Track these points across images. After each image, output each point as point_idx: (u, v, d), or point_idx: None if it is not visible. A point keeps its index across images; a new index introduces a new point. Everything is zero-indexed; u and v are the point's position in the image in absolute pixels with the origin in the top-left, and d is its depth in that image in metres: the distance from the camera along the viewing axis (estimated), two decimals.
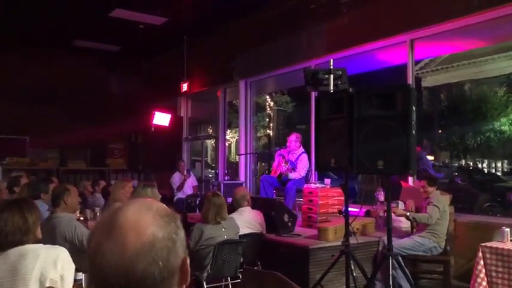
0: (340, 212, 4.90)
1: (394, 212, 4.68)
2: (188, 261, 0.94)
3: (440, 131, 16.44)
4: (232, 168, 11.89)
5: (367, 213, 5.62)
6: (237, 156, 10.44)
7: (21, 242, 2.21)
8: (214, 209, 4.23)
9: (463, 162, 15.86)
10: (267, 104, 19.72)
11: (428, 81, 16.60)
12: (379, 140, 3.52)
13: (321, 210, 5.55)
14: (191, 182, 8.95)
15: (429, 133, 14.83)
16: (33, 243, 2.27)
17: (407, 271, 4.11)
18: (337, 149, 3.84)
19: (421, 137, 9.01)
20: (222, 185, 7.26)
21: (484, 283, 3.83)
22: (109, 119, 10.01)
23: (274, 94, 18.82)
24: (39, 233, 2.34)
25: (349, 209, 4.10)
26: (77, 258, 2.37)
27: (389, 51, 6.45)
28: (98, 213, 5.14)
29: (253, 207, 5.01)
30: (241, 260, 4.38)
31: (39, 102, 9.64)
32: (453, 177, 12.46)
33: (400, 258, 4.00)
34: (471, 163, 15.65)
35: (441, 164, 15.01)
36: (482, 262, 3.86)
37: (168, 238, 0.89)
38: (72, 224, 3.60)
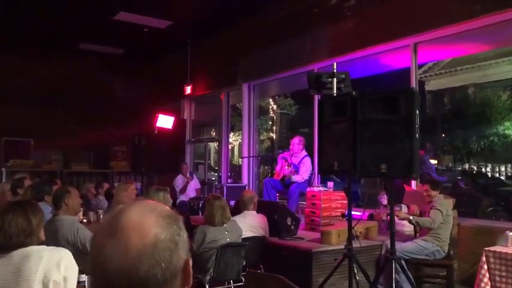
0: (343, 215, 4.89)
1: (397, 216, 4.67)
2: (191, 262, 0.94)
3: (443, 135, 16.39)
4: (235, 171, 11.89)
5: (370, 217, 5.61)
6: (240, 159, 10.44)
7: (25, 244, 2.21)
8: (220, 211, 4.23)
9: (467, 166, 15.81)
10: (270, 107, 19.73)
11: (431, 85, 16.57)
12: (383, 143, 3.52)
13: (324, 214, 5.54)
14: (194, 184, 8.95)
15: (432, 137, 14.79)
16: (37, 245, 2.27)
17: (410, 275, 4.09)
18: (340, 153, 3.84)
19: (424, 140, 8.98)
20: (225, 187, 7.25)
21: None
22: (113, 122, 10.04)
23: (277, 97, 18.83)
24: (42, 235, 2.34)
25: (352, 212, 4.09)
26: (80, 260, 2.38)
27: (392, 55, 6.45)
28: (101, 216, 5.15)
29: (256, 211, 5.01)
30: (244, 263, 4.37)
31: (43, 104, 9.68)
32: (456, 181, 12.41)
33: (403, 262, 3.99)
34: (475, 167, 15.58)
35: (444, 168, 14.96)
36: (486, 266, 3.84)
37: (170, 240, 0.89)
38: (74, 227, 3.60)
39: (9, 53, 9.51)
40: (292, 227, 5.25)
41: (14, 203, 2.52)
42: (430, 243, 4.67)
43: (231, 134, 14.66)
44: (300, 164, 6.66)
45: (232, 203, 5.58)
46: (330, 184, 5.80)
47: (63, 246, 2.82)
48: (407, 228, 5.20)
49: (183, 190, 8.70)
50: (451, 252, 4.76)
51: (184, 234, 0.94)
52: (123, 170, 11.09)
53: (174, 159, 10.24)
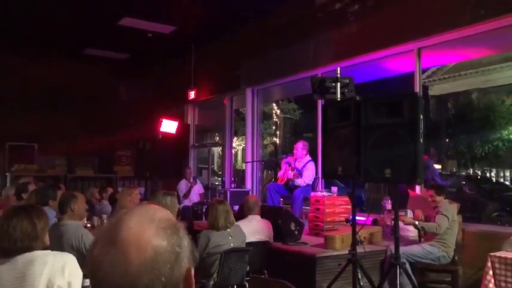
0: (347, 220, 4.88)
1: (402, 221, 4.66)
2: (193, 271, 0.92)
3: (447, 140, 16.36)
4: (239, 176, 11.89)
5: (374, 222, 5.60)
6: (244, 164, 10.44)
7: (30, 248, 2.22)
8: (223, 215, 4.22)
9: (471, 171, 15.75)
10: (274, 111, 19.74)
11: (435, 90, 16.56)
12: (387, 148, 3.52)
13: (328, 219, 5.53)
14: (198, 189, 8.96)
15: (436, 142, 14.77)
16: (41, 249, 2.27)
17: (414, 280, 4.08)
18: (344, 157, 3.84)
19: (428, 145, 8.97)
20: (228, 192, 7.26)
21: None
22: (117, 126, 10.07)
23: (280, 101, 18.84)
24: (47, 240, 2.35)
25: (356, 217, 4.08)
26: (84, 266, 2.37)
27: (396, 60, 6.45)
28: (105, 220, 5.14)
29: (260, 216, 5.00)
30: (248, 268, 4.36)
31: (48, 109, 9.72)
32: (461, 186, 12.36)
33: (407, 267, 3.97)
34: (479, 172, 15.53)
35: (448, 173, 14.91)
36: (491, 272, 3.81)
37: (171, 251, 0.87)
38: (79, 232, 3.60)
39: (15, 58, 9.56)
40: (296, 232, 5.23)
41: (18, 207, 2.53)
42: (436, 248, 4.65)
43: (235, 139, 14.67)
44: (304, 168, 6.65)
45: (236, 207, 5.58)
46: (334, 189, 5.79)
47: (68, 251, 2.83)
48: (412, 233, 5.18)
49: (187, 195, 8.70)
50: (456, 257, 4.74)
51: (186, 243, 0.92)
52: (127, 175, 11.10)
53: (177, 164, 10.25)
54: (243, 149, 14.69)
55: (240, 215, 4.91)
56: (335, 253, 4.62)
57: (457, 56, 7.67)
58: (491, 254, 3.88)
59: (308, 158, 6.81)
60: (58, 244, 3.37)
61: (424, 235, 5.00)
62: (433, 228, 4.64)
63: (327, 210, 5.52)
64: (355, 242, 3.93)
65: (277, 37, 7.80)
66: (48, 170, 10.22)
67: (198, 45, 9.52)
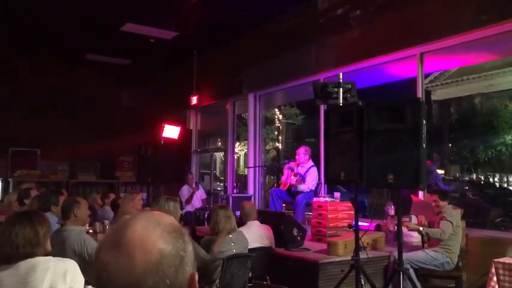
0: (350, 226, 4.85)
1: (406, 227, 4.64)
2: (196, 277, 0.92)
3: (450, 145, 16.33)
4: (241, 181, 11.89)
5: (377, 228, 5.57)
6: (246, 169, 10.43)
7: (32, 255, 2.21)
8: (224, 220, 4.20)
9: (474, 176, 15.71)
10: (276, 117, 19.75)
11: (438, 95, 16.56)
12: (389, 153, 3.51)
13: (331, 224, 5.50)
14: (200, 194, 8.94)
15: (439, 147, 14.74)
16: (43, 255, 2.27)
17: (418, 286, 4.05)
18: (347, 163, 3.83)
19: (430, 150, 8.94)
20: (230, 198, 7.25)
21: None
22: (119, 132, 10.08)
23: (283, 107, 18.86)
24: (49, 246, 2.34)
25: (359, 223, 4.06)
26: (86, 271, 2.37)
27: (398, 65, 6.44)
28: (107, 226, 5.14)
29: (262, 221, 4.98)
30: (250, 274, 4.34)
31: (50, 115, 9.75)
32: (464, 191, 12.32)
33: (411, 272, 3.94)
34: (482, 177, 15.48)
35: (451, 178, 14.87)
36: (495, 278, 3.79)
37: (175, 255, 0.87)
38: (81, 237, 3.59)
39: (17, 63, 9.61)
40: (299, 238, 5.21)
41: (21, 213, 2.53)
42: (440, 254, 4.62)
43: (237, 144, 14.67)
44: (307, 174, 6.63)
45: (238, 213, 5.56)
46: (337, 194, 5.77)
47: (70, 257, 2.82)
48: (415, 239, 5.15)
49: (189, 200, 8.69)
50: (460, 263, 4.71)
51: (190, 248, 0.92)
52: (129, 180, 11.10)
53: (180, 169, 10.24)
54: (245, 154, 14.70)
55: (240, 222, 4.89)
56: (338, 259, 4.59)
57: (460, 60, 7.66)
58: (495, 260, 3.86)
59: (310, 163, 6.79)
60: (61, 249, 3.36)
61: (428, 241, 4.97)
62: (437, 234, 4.61)
63: (329, 216, 5.50)
64: (358, 248, 3.91)
65: (279, 42, 7.81)
66: (51, 175, 10.24)
67: (200, 50, 9.54)
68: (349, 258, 4.08)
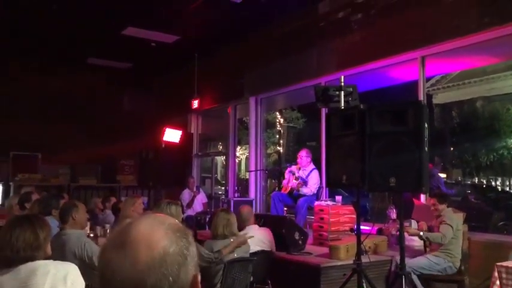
0: (351, 229, 4.84)
1: (407, 232, 4.61)
2: (199, 278, 0.93)
3: (452, 148, 16.31)
4: (242, 185, 11.86)
5: (379, 232, 5.55)
6: (247, 173, 10.42)
7: (32, 258, 2.20)
8: (222, 223, 4.19)
9: (476, 179, 15.68)
10: (277, 120, 19.75)
11: (439, 98, 16.55)
12: (391, 156, 3.50)
13: (332, 228, 5.48)
14: (201, 198, 8.92)
15: (441, 150, 14.71)
16: (43, 259, 2.26)
17: None
18: (349, 166, 3.81)
19: (432, 154, 8.93)
20: (232, 201, 7.22)
21: None
22: (120, 136, 10.08)
23: (284, 110, 18.86)
24: (49, 250, 2.33)
25: (361, 227, 4.04)
26: (86, 275, 2.36)
27: (400, 68, 6.44)
28: (108, 230, 5.13)
29: (263, 225, 4.96)
30: (251, 278, 4.32)
31: (51, 119, 9.76)
32: (466, 195, 12.29)
33: (413, 277, 3.92)
34: (484, 181, 15.44)
35: (453, 182, 14.85)
36: (498, 282, 3.76)
37: (179, 253, 0.88)
38: (81, 241, 3.59)
39: (18, 68, 9.63)
40: (300, 242, 5.19)
41: (21, 217, 2.52)
42: (442, 259, 4.59)
43: (238, 148, 14.66)
44: (308, 177, 6.62)
45: None
46: (338, 198, 5.75)
47: (70, 260, 2.81)
48: (417, 243, 5.13)
49: (190, 204, 8.67)
50: (462, 267, 4.68)
51: (194, 249, 0.93)
52: (130, 184, 11.11)
53: (181, 173, 10.25)
54: (247, 158, 14.69)
55: (239, 227, 4.86)
56: (340, 263, 4.57)
57: (461, 64, 7.65)
58: (498, 263, 3.83)
59: (312, 166, 6.78)
60: (61, 253, 3.35)
61: (430, 245, 4.94)
62: (438, 239, 4.58)
63: (331, 220, 5.48)
64: (360, 252, 3.89)
65: (281, 46, 7.82)
66: (52, 179, 10.24)
67: (201, 54, 9.55)
68: (351, 262, 4.06)
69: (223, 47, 8.90)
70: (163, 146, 9.83)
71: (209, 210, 7.93)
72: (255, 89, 8.63)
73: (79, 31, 8.33)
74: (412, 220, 5.23)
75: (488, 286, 3.91)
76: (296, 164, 6.92)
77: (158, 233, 0.89)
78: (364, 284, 3.80)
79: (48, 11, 7.35)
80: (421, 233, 4.69)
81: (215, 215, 4.37)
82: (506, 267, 3.76)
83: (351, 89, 4.67)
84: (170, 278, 0.85)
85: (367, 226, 4.95)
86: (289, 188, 6.75)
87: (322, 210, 5.60)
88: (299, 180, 6.60)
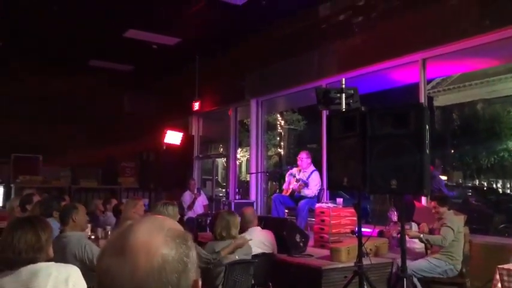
0: (352, 232, 4.83)
1: (407, 234, 4.60)
2: (200, 283, 0.92)
3: (452, 151, 16.30)
4: (243, 187, 11.85)
5: (380, 234, 5.54)
6: (248, 175, 10.41)
7: (34, 260, 2.20)
8: (221, 224, 4.19)
9: (477, 182, 15.66)
10: (278, 122, 19.77)
11: (440, 101, 16.56)
12: (393, 159, 3.49)
13: (333, 230, 5.48)
14: (202, 200, 8.93)
15: (441, 152, 14.71)
16: (45, 261, 2.26)
17: None
18: (350, 168, 3.81)
19: (433, 156, 8.92)
20: (232, 204, 7.22)
21: None
22: (121, 138, 10.09)
23: (285, 112, 18.87)
24: (51, 252, 2.33)
25: (362, 229, 4.04)
26: (88, 278, 2.36)
27: (401, 71, 6.44)
28: (109, 232, 5.13)
29: (264, 227, 4.96)
30: (253, 281, 4.31)
31: (52, 121, 9.78)
32: (467, 197, 12.28)
33: (415, 280, 3.91)
34: (485, 183, 15.43)
35: (454, 184, 14.83)
36: (499, 285, 3.75)
37: (178, 261, 0.87)
38: (82, 243, 3.58)
39: (19, 70, 9.64)
40: (301, 244, 5.19)
41: (23, 218, 2.52)
42: (443, 261, 4.58)
43: (239, 150, 14.67)
44: (309, 179, 6.62)
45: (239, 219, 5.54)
46: (339, 200, 5.75)
47: (71, 262, 2.81)
48: (418, 245, 5.12)
49: (191, 206, 8.67)
50: (464, 269, 4.67)
51: (194, 254, 0.91)
52: (131, 186, 11.11)
53: (181, 175, 10.25)
54: (248, 160, 14.68)
55: (242, 228, 4.86)
56: (341, 265, 4.56)
57: (462, 66, 7.65)
58: (500, 266, 3.82)
59: (312, 167, 6.79)
60: (62, 255, 3.35)
61: (431, 247, 4.93)
62: (438, 241, 4.57)
63: (332, 222, 5.48)
64: (361, 254, 3.88)
65: (282, 48, 7.82)
66: (53, 181, 10.26)
67: (202, 56, 9.57)
68: (352, 264, 4.06)
69: (224, 49, 8.91)
70: (164, 148, 9.84)
71: (210, 212, 7.92)
72: (255, 91, 8.63)
73: (80, 33, 8.34)
74: (413, 223, 5.22)
75: None
76: (297, 166, 6.92)
77: (157, 240, 0.87)
78: (366, 287, 3.79)
79: (49, 12, 7.36)
80: (421, 236, 4.69)
81: (218, 216, 4.37)
82: (508, 269, 3.75)
83: (352, 91, 4.67)
84: (170, 287, 0.84)
85: (368, 228, 4.95)
86: (290, 190, 6.75)
87: (323, 212, 5.60)
88: (300, 182, 6.60)
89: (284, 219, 6.08)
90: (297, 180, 6.64)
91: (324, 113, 6.67)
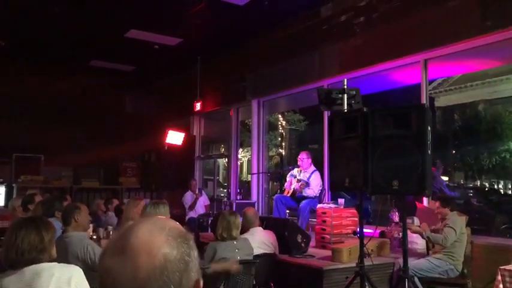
0: (354, 232, 4.83)
1: (409, 228, 4.59)
2: (201, 283, 0.92)
3: (454, 152, 16.29)
4: (244, 188, 11.86)
5: (382, 234, 5.54)
6: (249, 175, 10.42)
7: (37, 260, 2.21)
8: (222, 225, 4.19)
9: (478, 183, 15.65)
10: (279, 123, 19.77)
11: (441, 101, 16.55)
12: (394, 159, 3.49)
13: (335, 231, 5.48)
14: (203, 201, 8.93)
15: (443, 153, 14.70)
16: (48, 262, 2.26)
17: None
18: (352, 169, 3.81)
19: (434, 157, 8.92)
20: (234, 204, 7.23)
21: None
22: (123, 138, 10.10)
23: (286, 112, 18.87)
24: (54, 252, 2.34)
25: (364, 229, 4.04)
26: (90, 278, 2.36)
27: (402, 71, 6.44)
28: (110, 232, 5.13)
29: (265, 228, 4.96)
30: (254, 281, 4.32)
31: (54, 121, 9.78)
32: (468, 198, 12.26)
33: (416, 280, 3.91)
34: (487, 184, 15.42)
35: (456, 185, 14.82)
36: (501, 286, 3.75)
37: (180, 260, 0.87)
38: (84, 243, 3.59)
39: (21, 70, 9.66)
40: (303, 245, 5.19)
41: (26, 219, 2.52)
42: (444, 261, 4.58)
43: (240, 150, 14.67)
44: (310, 179, 6.63)
45: (241, 219, 5.55)
46: (341, 201, 5.75)
47: (73, 263, 2.82)
48: (420, 246, 5.12)
49: (192, 206, 8.68)
50: (465, 270, 4.67)
51: (195, 254, 0.92)
52: (132, 186, 11.11)
53: (183, 175, 10.26)
54: (249, 161, 14.69)
55: (244, 228, 4.86)
56: (342, 266, 4.56)
57: (464, 67, 7.65)
58: (502, 267, 3.82)
59: (313, 168, 6.79)
60: (64, 255, 3.35)
61: (433, 247, 4.93)
62: (439, 240, 4.56)
63: (333, 223, 5.49)
64: (362, 255, 3.88)
65: (283, 49, 7.83)
66: (54, 181, 10.26)
67: (204, 56, 9.58)
68: (354, 265, 4.06)
69: (226, 50, 8.92)
70: (165, 148, 9.85)
71: (211, 212, 7.93)
72: (257, 91, 8.64)
73: (81, 33, 8.35)
74: (415, 217, 5.20)
75: None
76: (298, 166, 6.93)
77: (159, 240, 0.87)
78: (367, 287, 3.79)
79: (50, 12, 7.37)
80: (424, 232, 4.68)
81: (220, 216, 4.37)
82: (510, 270, 3.75)
83: (354, 92, 4.68)
84: (171, 286, 0.84)
85: (370, 229, 4.94)
86: (292, 191, 6.76)
87: (324, 213, 5.60)
88: (301, 182, 6.61)
89: (286, 220, 6.08)
90: (298, 181, 6.65)
91: (326, 114, 6.67)
